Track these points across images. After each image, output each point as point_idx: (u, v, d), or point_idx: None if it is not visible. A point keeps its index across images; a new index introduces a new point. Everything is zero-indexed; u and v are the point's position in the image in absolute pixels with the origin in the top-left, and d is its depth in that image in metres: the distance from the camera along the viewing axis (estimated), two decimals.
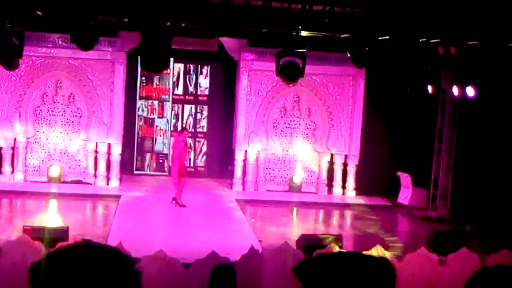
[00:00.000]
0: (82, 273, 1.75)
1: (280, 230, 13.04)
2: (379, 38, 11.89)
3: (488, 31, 11.65)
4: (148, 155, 18.45)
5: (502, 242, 11.06)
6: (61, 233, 9.69)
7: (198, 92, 18.52)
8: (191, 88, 18.48)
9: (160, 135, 18.42)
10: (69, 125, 16.63)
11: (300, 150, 17.29)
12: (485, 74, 13.79)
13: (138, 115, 18.25)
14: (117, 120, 16.49)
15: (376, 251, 8.87)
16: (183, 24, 12.52)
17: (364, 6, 11.66)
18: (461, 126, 15.46)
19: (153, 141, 18.45)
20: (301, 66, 11.79)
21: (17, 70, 15.88)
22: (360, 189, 17.19)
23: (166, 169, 18.03)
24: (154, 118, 18.39)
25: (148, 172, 18.31)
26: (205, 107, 18.60)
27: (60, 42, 15.81)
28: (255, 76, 16.79)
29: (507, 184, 13.61)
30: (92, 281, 1.74)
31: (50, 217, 13.60)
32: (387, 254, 9.04)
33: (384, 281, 2.04)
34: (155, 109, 18.35)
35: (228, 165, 17.75)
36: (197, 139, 18.47)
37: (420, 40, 11.95)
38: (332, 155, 17.26)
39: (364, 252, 3.94)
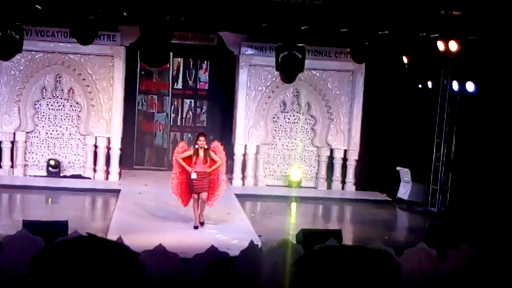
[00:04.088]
0: (87, 265, 1.75)
1: (279, 225, 13.04)
2: (379, 33, 11.89)
3: (488, 27, 11.65)
4: (147, 150, 18.46)
5: (501, 237, 11.07)
6: (61, 228, 9.67)
7: (198, 87, 18.52)
8: (190, 83, 18.48)
9: (160, 130, 18.42)
10: (69, 119, 16.62)
11: (299, 145, 17.29)
12: (485, 69, 13.77)
13: (138, 110, 18.24)
14: (117, 115, 16.47)
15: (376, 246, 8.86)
16: (182, 19, 12.50)
17: (363, 0, 11.65)
18: (461, 121, 15.44)
19: (152, 135, 18.46)
20: (300, 60, 11.78)
21: (16, 64, 15.91)
22: (360, 184, 17.20)
23: (165, 164, 18.03)
24: (153, 112, 18.39)
25: (147, 167, 18.32)
26: (205, 102, 18.61)
27: (60, 37, 15.80)
28: (255, 70, 16.77)
29: (506, 179, 13.59)
30: (97, 274, 1.74)
31: (50, 211, 13.60)
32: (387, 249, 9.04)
33: (388, 274, 2.03)
34: (155, 103, 18.34)
35: (228, 160, 17.73)
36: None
37: (420, 34, 11.94)
38: (331, 150, 17.26)
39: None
